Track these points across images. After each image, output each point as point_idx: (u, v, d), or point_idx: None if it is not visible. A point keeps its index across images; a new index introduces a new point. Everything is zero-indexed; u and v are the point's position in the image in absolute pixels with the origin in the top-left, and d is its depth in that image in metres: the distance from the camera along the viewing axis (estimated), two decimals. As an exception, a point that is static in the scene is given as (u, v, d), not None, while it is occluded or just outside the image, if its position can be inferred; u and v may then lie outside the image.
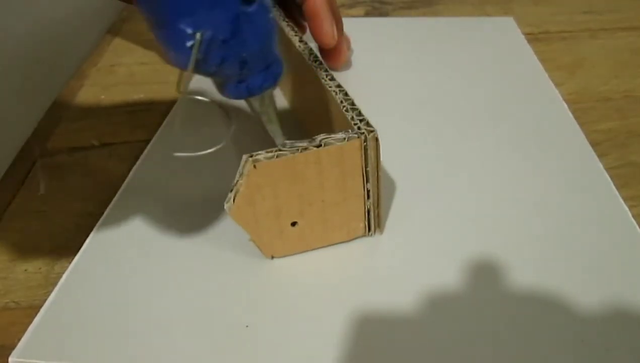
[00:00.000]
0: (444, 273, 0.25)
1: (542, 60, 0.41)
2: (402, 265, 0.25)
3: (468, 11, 0.50)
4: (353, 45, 0.42)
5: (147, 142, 0.34)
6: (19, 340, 0.22)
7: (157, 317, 0.23)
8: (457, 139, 0.33)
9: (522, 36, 0.45)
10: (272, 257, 0.26)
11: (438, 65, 0.41)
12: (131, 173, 0.31)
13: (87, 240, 0.27)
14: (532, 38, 0.45)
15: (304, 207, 0.24)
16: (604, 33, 0.47)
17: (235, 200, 0.23)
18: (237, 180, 0.22)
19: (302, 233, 0.25)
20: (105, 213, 0.29)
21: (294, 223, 0.25)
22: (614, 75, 0.41)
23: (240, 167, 0.22)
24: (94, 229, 0.28)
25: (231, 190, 0.23)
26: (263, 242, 0.25)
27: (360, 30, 0.47)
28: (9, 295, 0.26)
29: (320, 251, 0.26)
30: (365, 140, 0.23)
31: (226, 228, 0.27)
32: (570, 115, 0.35)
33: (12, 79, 0.38)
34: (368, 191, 0.25)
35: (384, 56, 0.42)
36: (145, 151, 0.33)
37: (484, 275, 0.25)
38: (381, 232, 0.27)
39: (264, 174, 0.22)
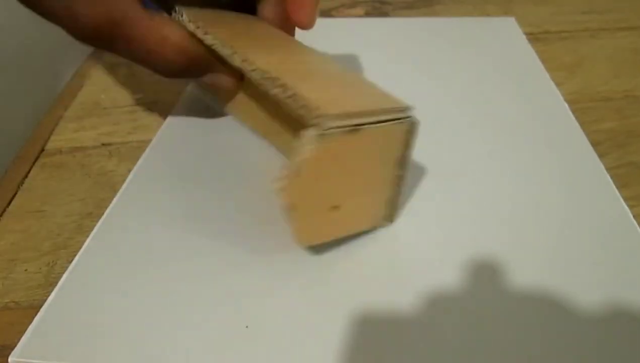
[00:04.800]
0: (442, 271, 0.25)
1: (543, 60, 0.41)
2: (402, 262, 0.25)
3: (468, 11, 0.50)
4: (353, 45, 0.42)
5: (147, 142, 0.34)
6: (19, 340, 0.22)
7: (157, 317, 0.23)
8: (456, 138, 0.33)
9: (523, 36, 0.44)
10: (304, 245, 0.24)
11: (438, 65, 0.41)
12: (131, 173, 0.31)
13: (87, 240, 0.27)
14: (533, 38, 0.45)
15: (348, 190, 0.23)
16: (604, 33, 0.47)
17: (291, 180, 0.21)
18: (295, 158, 0.20)
19: (339, 219, 0.24)
20: (105, 213, 0.29)
21: (334, 208, 0.23)
22: (614, 75, 0.41)
23: (298, 144, 0.20)
24: (94, 229, 0.28)
25: (283, 170, 0.21)
26: (302, 227, 0.23)
27: (360, 30, 0.47)
28: (9, 295, 0.26)
29: (321, 246, 0.26)
30: (410, 125, 0.23)
31: (227, 228, 0.27)
32: (571, 115, 0.35)
33: (12, 78, 0.38)
34: (400, 178, 0.24)
35: (384, 56, 0.42)
36: (146, 151, 0.33)
37: (483, 274, 0.25)
38: (391, 222, 0.27)
39: (324, 153, 0.21)
